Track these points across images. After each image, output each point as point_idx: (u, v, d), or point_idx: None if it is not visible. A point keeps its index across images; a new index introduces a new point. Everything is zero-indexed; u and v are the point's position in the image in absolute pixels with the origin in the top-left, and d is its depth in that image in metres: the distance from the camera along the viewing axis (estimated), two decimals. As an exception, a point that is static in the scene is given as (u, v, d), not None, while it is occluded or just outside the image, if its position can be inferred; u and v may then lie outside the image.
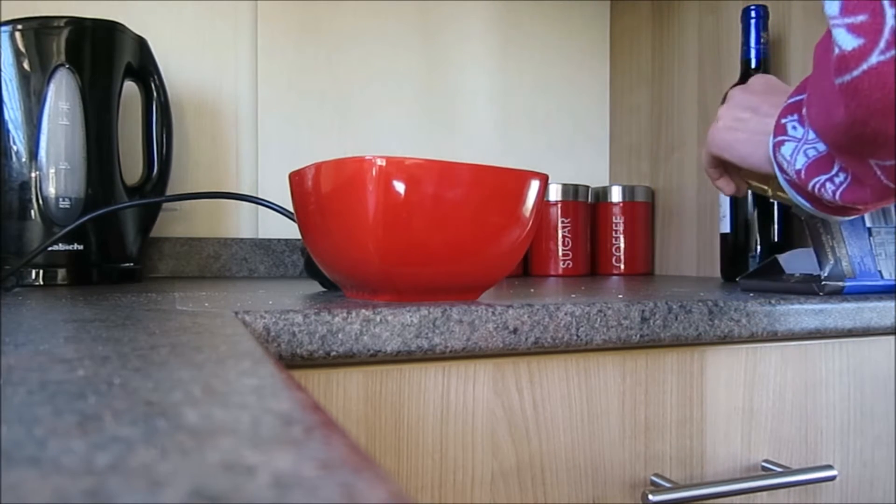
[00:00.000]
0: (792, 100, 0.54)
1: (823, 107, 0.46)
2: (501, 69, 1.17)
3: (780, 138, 0.54)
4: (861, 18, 0.39)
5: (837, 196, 0.51)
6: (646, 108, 1.16)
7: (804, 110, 0.52)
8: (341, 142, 1.07)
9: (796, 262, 0.65)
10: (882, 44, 0.39)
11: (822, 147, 0.51)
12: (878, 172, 0.46)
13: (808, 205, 0.55)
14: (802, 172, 0.52)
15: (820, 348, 0.58)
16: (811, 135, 0.51)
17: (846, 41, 0.40)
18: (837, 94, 0.42)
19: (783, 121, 0.54)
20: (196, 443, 0.13)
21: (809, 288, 0.59)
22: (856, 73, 0.40)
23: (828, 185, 0.51)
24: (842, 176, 0.50)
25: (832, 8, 0.40)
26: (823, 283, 0.58)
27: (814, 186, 0.52)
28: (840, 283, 0.58)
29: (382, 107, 1.09)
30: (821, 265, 0.59)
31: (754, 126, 0.58)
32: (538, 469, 0.49)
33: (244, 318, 0.40)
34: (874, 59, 0.39)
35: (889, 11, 0.38)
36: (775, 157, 0.54)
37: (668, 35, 1.11)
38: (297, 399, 0.17)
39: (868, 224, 0.61)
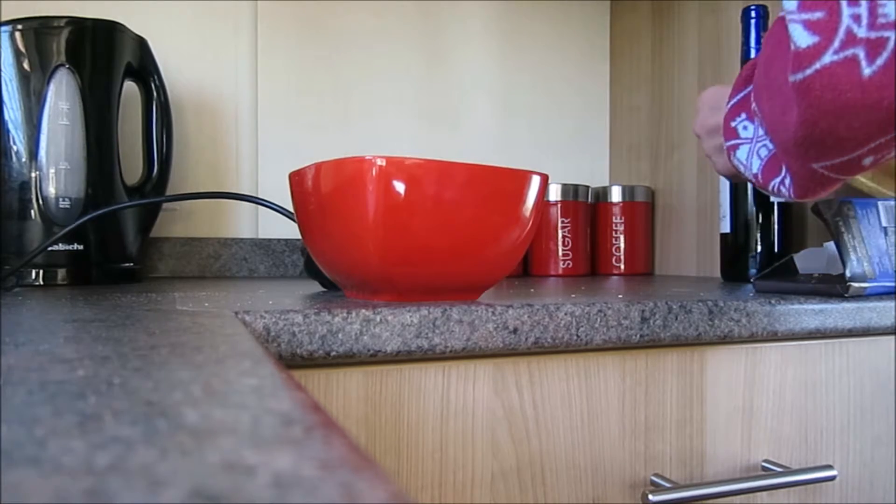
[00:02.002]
0: (735, 99, 0.53)
1: (778, 102, 0.45)
2: (501, 69, 1.17)
3: (732, 142, 0.53)
4: (818, 15, 0.38)
5: (792, 194, 0.49)
6: (646, 108, 1.16)
7: (753, 105, 0.50)
8: (341, 142, 1.07)
9: (809, 261, 0.64)
10: (836, 43, 0.38)
11: (771, 145, 0.50)
12: (826, 172, 0.44)
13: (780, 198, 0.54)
14: (759, 176, 0.51)
15: (820, 348, 0.58)
16: (761, 131, 0.50)
17: (802, 38, 0.39)
18: (791, 91, 0.41)
19: (732, 124, 0.53)
20: (196, 443, 0.13)
21: (832, 289, 0.57)
22: (809, 71, 0.39)
23: (782, 188, 0.50)
24: (789, 177, 0.49)
25: (790, 2, 0.40)
26: (848, 283, 0.56)
27: (773, 187, 0.51)
28: (864, 285, 0.57)
29: (382, 106, 1.09)
30: (844, 265, 0.57)
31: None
32: (538, 469, 0.49)
33: (244, 318, 0.40)
34: (827, 58, 0.38)
35: (846, 11, 0.37)
36: (731, 161, 0.54)
37: (668, 35, 1.11)
38: (297, 399, 0.17)
39: (884, 223, 0.59)
